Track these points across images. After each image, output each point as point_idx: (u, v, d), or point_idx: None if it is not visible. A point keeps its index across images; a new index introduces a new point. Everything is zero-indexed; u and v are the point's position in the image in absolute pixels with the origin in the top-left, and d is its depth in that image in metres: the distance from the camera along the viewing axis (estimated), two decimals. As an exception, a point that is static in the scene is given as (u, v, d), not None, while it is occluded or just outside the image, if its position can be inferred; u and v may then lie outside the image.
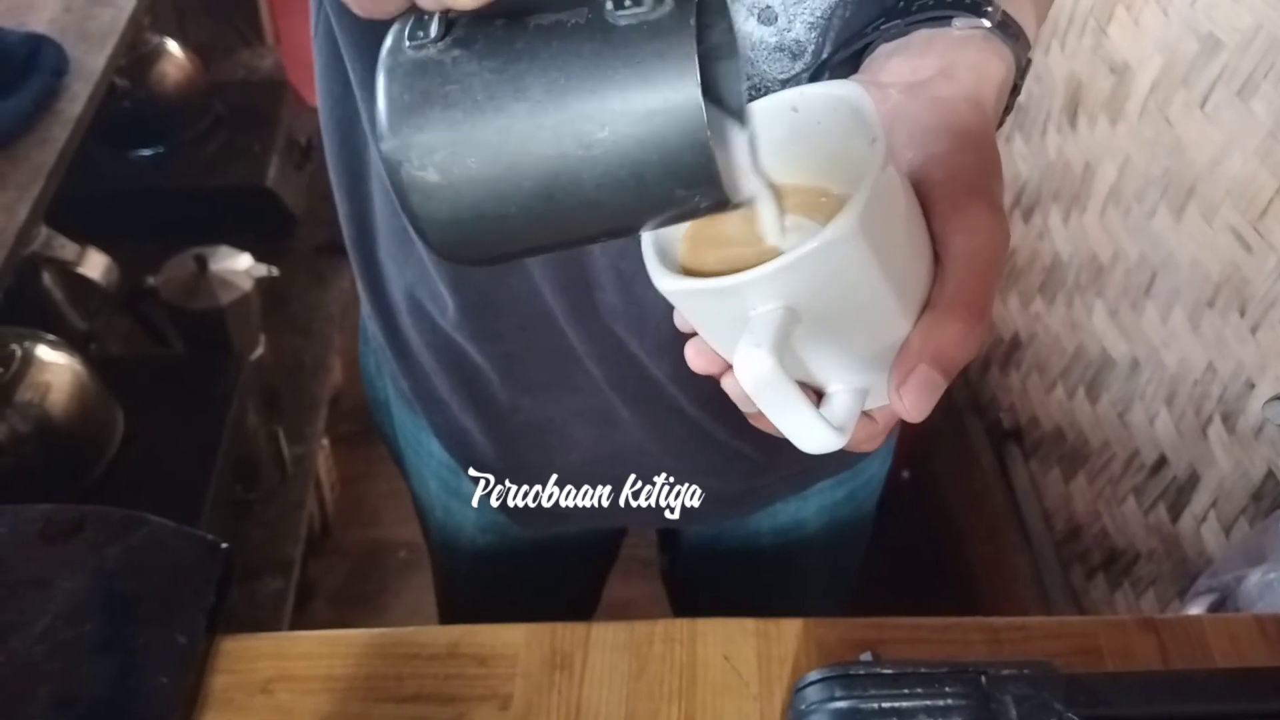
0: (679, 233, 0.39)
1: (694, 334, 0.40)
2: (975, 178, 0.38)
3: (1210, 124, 1.09)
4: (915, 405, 0.36)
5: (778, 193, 0.39)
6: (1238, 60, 1.04)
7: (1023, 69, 0.45)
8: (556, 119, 0.31)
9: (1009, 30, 0.44)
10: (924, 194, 0.38)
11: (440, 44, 0.32)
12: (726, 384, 0.40)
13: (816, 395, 0.39)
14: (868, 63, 0.45)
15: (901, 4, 0.46)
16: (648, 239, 0.38)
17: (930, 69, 0.42)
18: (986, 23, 0.43)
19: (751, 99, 0.46)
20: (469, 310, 0.60)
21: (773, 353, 0.34)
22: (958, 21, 0.43)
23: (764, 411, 0.36)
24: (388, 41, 0.33)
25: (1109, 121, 1.29)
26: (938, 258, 0.38)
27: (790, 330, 0.35)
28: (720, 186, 0.33)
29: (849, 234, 0.33)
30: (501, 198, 0.33)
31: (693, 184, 0.32)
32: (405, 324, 0.65)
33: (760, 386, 0.35)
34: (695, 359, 0.40)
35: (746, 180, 0.39)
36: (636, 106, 0.31)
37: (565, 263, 0.55)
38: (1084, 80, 1.35)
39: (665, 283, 0.37)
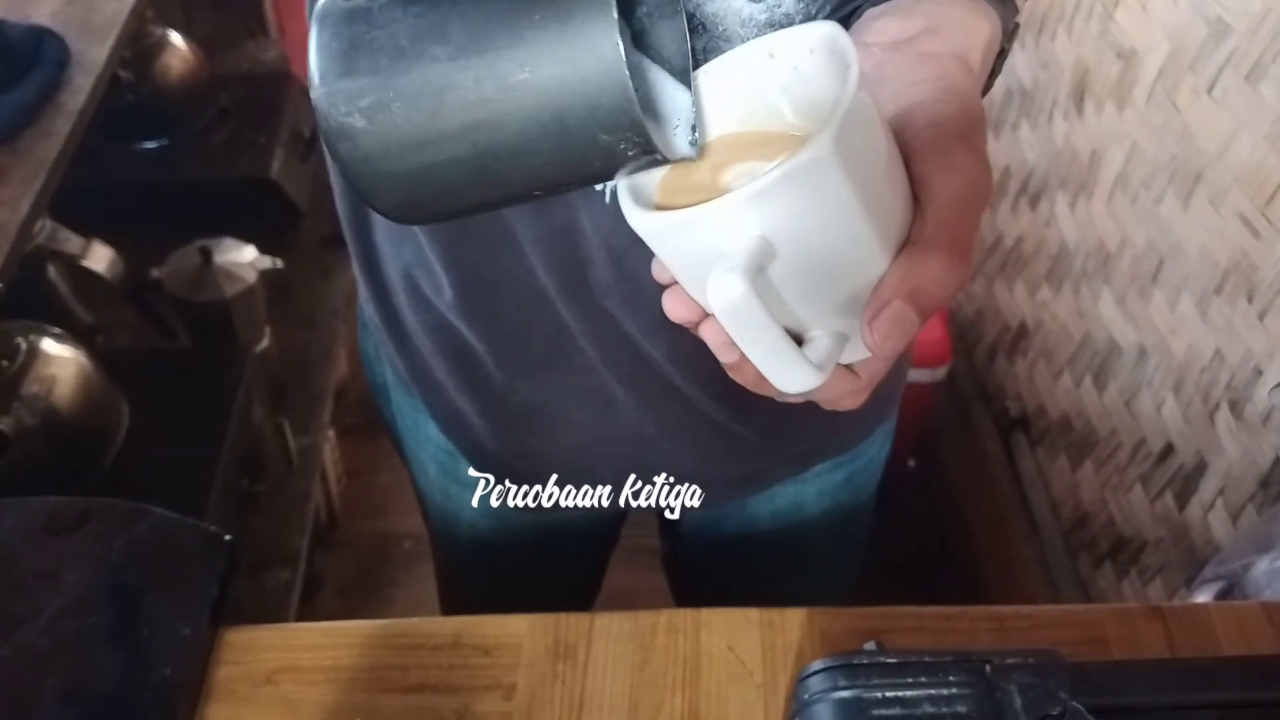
0: (653, 183, 0.39)
1: (672, 284, 0.40)
2: (958, 126, 0.38)
3: (1218, 109, 1.08)
4: (886, 340, 0.36)
5: (748, 140, 0.39)
6: (1246, 45, 1.03)
7: (1009, 32, 0.45)
8: (476, 62, 0.31)
9: None
10: (906, 140, 0.38)
11: None
12: (705, 331, 0.39)
13: (798, 341, 0.38)
14: (855, 26, 0.45)
15: None
16: (623, 184, 0.37)
17: (916, 27, 0.42)
18: None
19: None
20: (464, 290, 0.60)
21: (745, 277, 0.33)
22: None
23: (739, 343, 0.35)
24: None
25: (1116, 107, 1.28)
26: (918, 201, 0.37)
27: (765, 260, 0.34)
28: (644, 131, 0.32)
29: (823, 156, 0.33)
30: (427, 145, 0.33)
31: (616, 129, 0.32)
32: (401, 305, 0.65)
33: (734, 315, 0.34)
34: (674, 307, 0.39)
35: (684, 137, 0.38)
36: (554, 46, 0.31)
37: (557, 240, 0.55)
38: (1091, 66, 1.34)
39: (637, 219, 0.36)
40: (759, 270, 0.34)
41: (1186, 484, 1.16)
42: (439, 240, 0.58)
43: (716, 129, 0.40)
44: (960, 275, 0.36)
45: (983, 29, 0.43)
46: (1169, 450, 1.20)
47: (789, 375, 0.36)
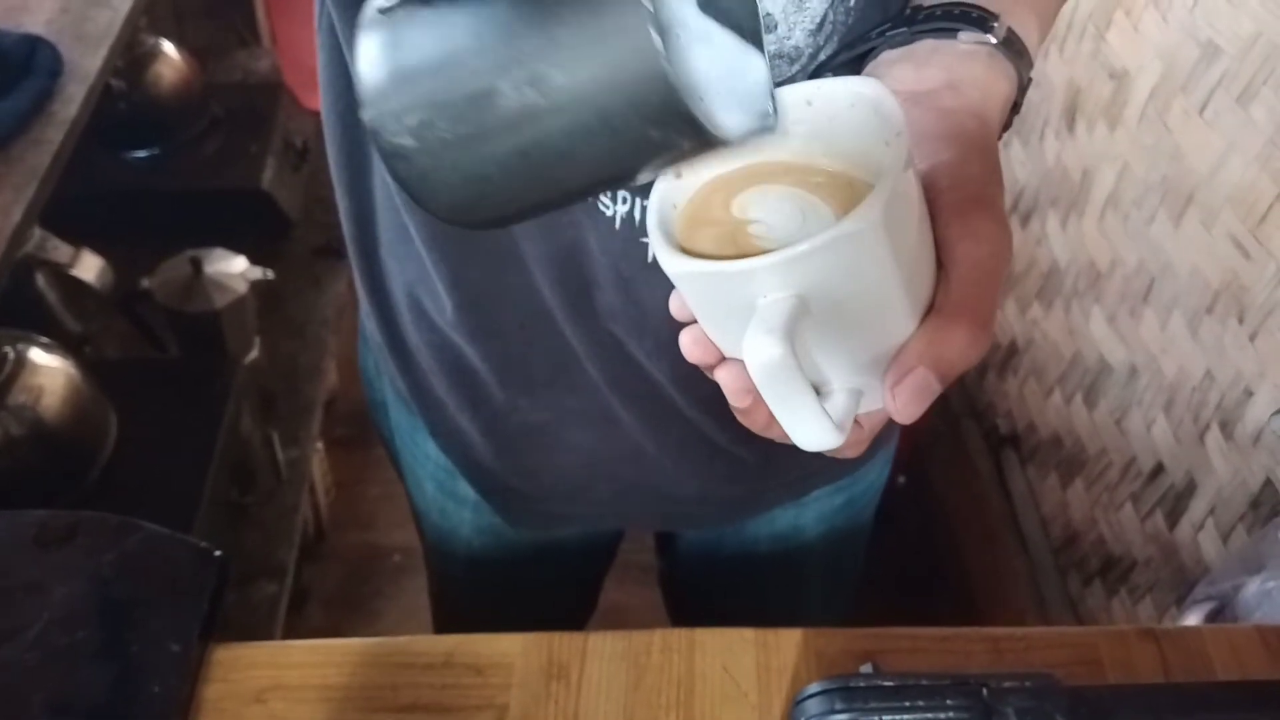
0: (676, 211, 0.38)
1: (689, 323, 0.40)
2: (980, 188, 0.38)
3: (1210, 130, 1.09)
4: (907, 406, 0.36)
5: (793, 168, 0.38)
6: (1237, 67, 1.04)
7: (1024, 86, 0.45)
8: (514, 70, 0.30)
9: (1013, 47, 0.44)
10: (930, 201, 0.38)
11: (406, 5, 0.32)
12: (721, 375, 0.39)
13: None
14: (870, 67, 0.45)
15: (907, 12, 0.45)
16: (653, 219, 0.37)
17: (936, 80, 0.42)
18: (992, 39, 0.43)
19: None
20: (468, 308, 0.60)
21: (785, 340, 0.33)
22: (963, 35, 0.43)
23: (769, 401, 0.35)
24: (365, 8, 0.33)
25: (1108, 127, 1.29)
26: (940, 264, 0.38)
27: (801, 320, 0.34)
28: (695, 122, 0.31)
29: (872, 226, 0.33)
30: (479, 158, 0.32)
31: (664, 123, 0.31)
32: (404, 322, 0.65)
33: (769, 374, 0.34)
34: (691, 348, 0.39)
35: (756, 109, 0.37)
36: (587, 44, 0.30)
37: (563, 261, 0.55)
38: (1083, 86, 1.35)
39: (674, 264, 0.36)
40: (796, 330, 0.34)
41: (1177, 503, 1.17)
42: (445, 258, 0.58)
43: (741, 160, 0.39)
44: (983, 346, 0.36)
45: (1000, 86, 0.43)
46: (1159, 469, 1.20)
47: (812, 434, 0.36)
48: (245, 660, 0.56)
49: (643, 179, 0.35)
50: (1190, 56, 1.11)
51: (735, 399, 0.40)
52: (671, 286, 0.52)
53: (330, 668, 0.55)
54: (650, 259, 0.53)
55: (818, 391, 0.38)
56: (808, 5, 0.46)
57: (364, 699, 0.54)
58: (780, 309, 0.34)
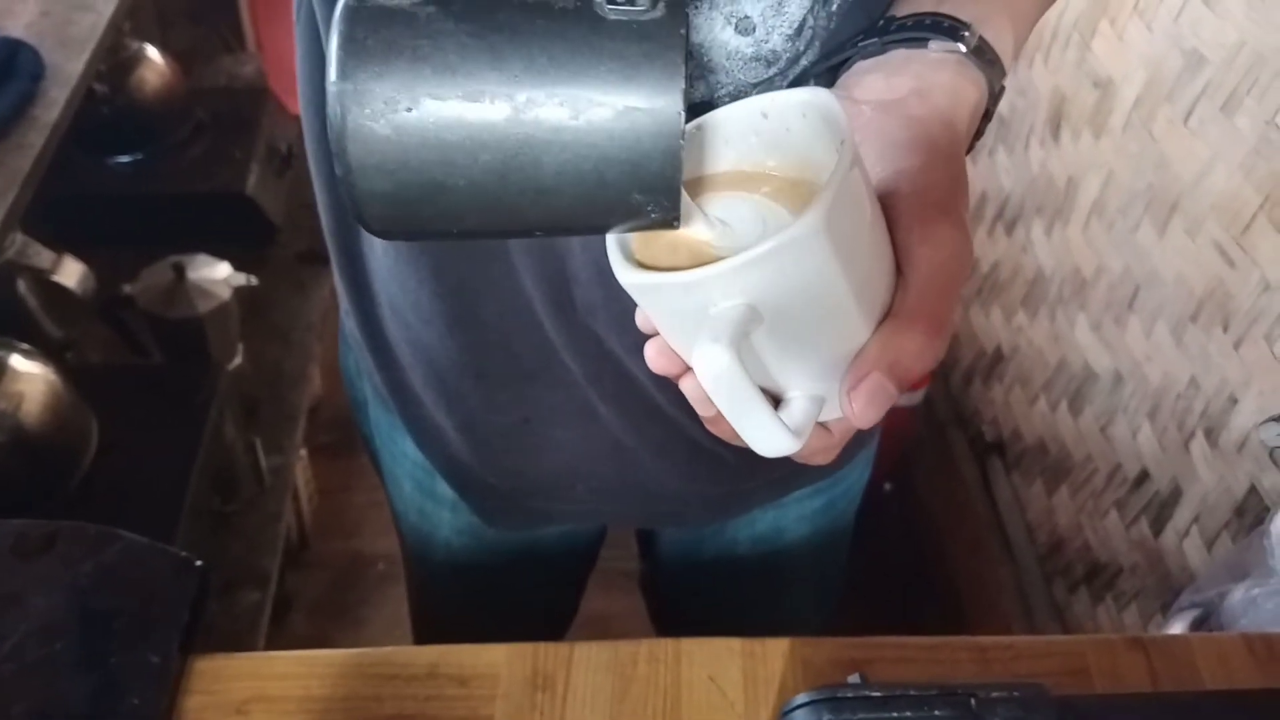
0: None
1: (656, 334, 0.40)
2: (943, 195, 0.38)
3: (1194, 139, 1.09)
4: (864, 411, 0.36)
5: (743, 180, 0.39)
6: (1222, 76, 1.04)
7: (996, 95, 0.45)
8: (531, 96, 0.31)
9: (984, 56, 0.44)
10: (891, 207, 0.38)
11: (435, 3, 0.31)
12: (685, 385, 0.40)
13: (774, 401, 0.39)
14: (844, 78, 0.46)
15: (880, 23, 0.46)
16: (611, 235, 0.37)
17: (905, 88, 0.42)
18: (962, 47, 0.43)
19: (725, 104, 0.46)
20: (448, 296, 0.59)
21: (730, 348, 0.33)
22: (934, 44, 0.44)
23: (721, 409, 0.35)
24: None
25: (1093, 136, 1.29)
26: (900, 270, 0.38)
27: (750, 328, 0.34)
28: (677, 201, 0.32)
29: (814, 230, 0.33)
30: (452, 167, 0.31)
31: (653, 191, 0.32)
32: (384, 317, 0.65)
33: (717, 383, 0.34)
34: (656, 359, 0.40)
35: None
36: (616, 102, 0.31)
37: (544, 255, 0.55)
38: (1068, 94, 1.35)
39: (627, 276, 0.36)
40: (744, 338, 0.34)
41: (1162, 511, 1.17)
42: (428, 249, 0.57)
43: (698, 170, 0.40)
44: (938, 350, 0.36)
45: (970, 94, 0.43)
46: (1144, 476, 1.20)
47: (768, 441, 0.36)
48: (227, 671, 0.55)
49: (577, 235, 0.36)
50: (1175, 65, 1.11)
51: (700, 408, 0.40)
52: None
53: (313, 679, 0.55)
54: None
55: (776, 399, 0.39)
56: (786, 9, 0.46)
57: (346, 710, 0.53)
58: (728, 318, 0.34)
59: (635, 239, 0.38)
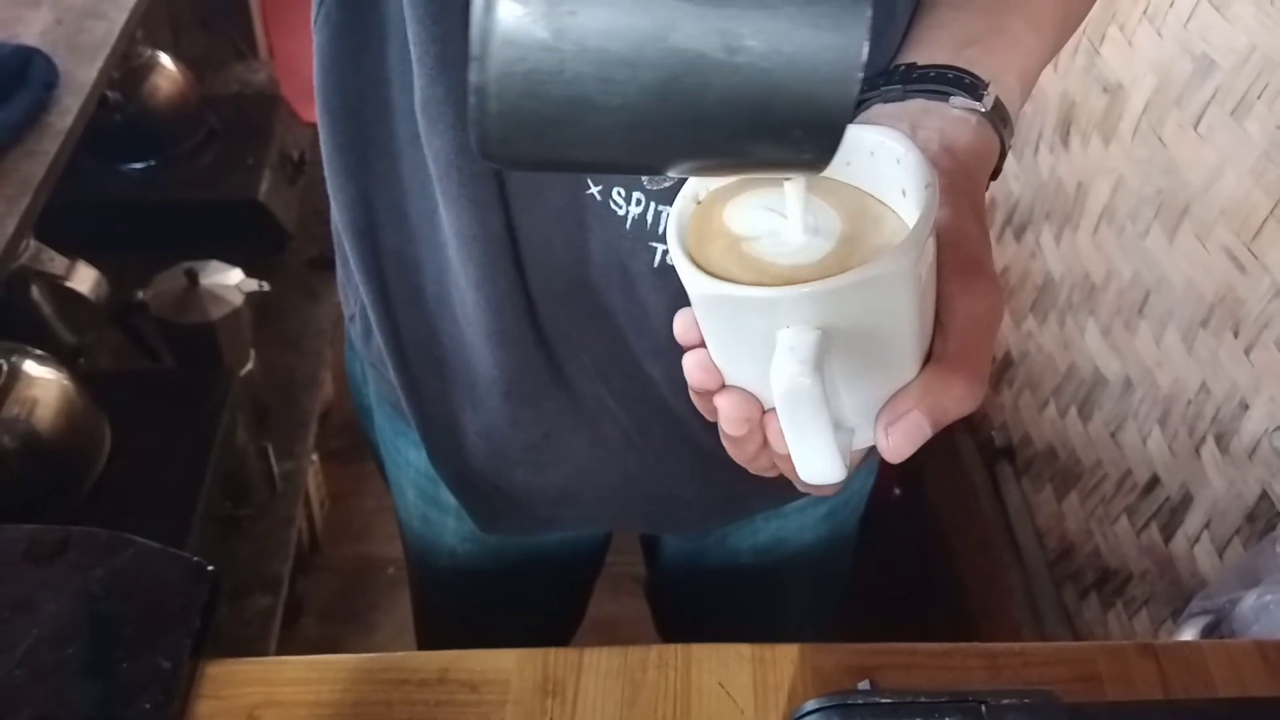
0: (687, 222, 0.38)
1: (695, 346, 0.40)
2: (977, 248, 0.40)
3: (1204, 144, 1.09)
4: (899, 447, 0.38)
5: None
6: (1231, 80, 1.04)
7: (1004, 154, 0.46)
8: (711, 9, 0.28)
9: (1000, 114, 0.45)
10: None
11: None
12: (720, 400, 0.40)
13: None
14: (865, 118, 0.46)
15: (902, 68, 0.47)
16: (674, 234, 0.37)
17: (932, 141, 0.43)
18: (981, 107, 0.45)
19: None
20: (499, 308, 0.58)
21: (816, 371, 0.33)
22: (955, 100, 0.45)
23: (787, 431, 0.35)
24: None
25: (1102, 141, 1.29)
26: (937, 317, 0.39)
27: (827, 354, 0.34)
28: (838, 140, 0.30)
29: (906, 269, 0.33)
30: (609, 83, 0.28)
31: (816, 130, 0.30)
32: (415, 314, 0.64)
33: (796, 404, 0.34)
34: (695, 371, 0.40)
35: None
36: (799, 22, 0.28)
37: (566, 251, 0.55)
38: (1077, 99, 1.35)
39: (701, 285, 0.35)
40: (825, 361, 0.34)
41: (1172, 516, 1.16)
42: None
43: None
44: (978, 398, 0.38)
45: (987, 155, 0.44)
46: (1155, 482, 1.20)
47: (822, 469, 0.36)
48: (237, 676, 0.55)
49: (713, 174, 0.35)
50: (1184, 70, 1.11)
51: (732, 427, 0.40)
52: (674, 292, 0.52)
53: (323, 684, 0.55)
54: (657, 263, 0.54)
55: None
56: None
57: (357, 716, 0.53)
58: (810, 339, 0.34)
59: (692, 239, 0.37)
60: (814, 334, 0.34)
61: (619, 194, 0.52)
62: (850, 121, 0.30)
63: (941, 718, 0.45)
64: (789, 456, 0.38)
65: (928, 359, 0.38)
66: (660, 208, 0.52)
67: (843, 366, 0.36)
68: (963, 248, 0.39)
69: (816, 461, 0.36)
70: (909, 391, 0.38)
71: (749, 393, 0.39)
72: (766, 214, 0.38)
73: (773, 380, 0.34)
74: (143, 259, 1.55)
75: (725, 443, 0.42)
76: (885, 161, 0.38)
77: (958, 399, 0.38)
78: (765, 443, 0.40)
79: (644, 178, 0.50)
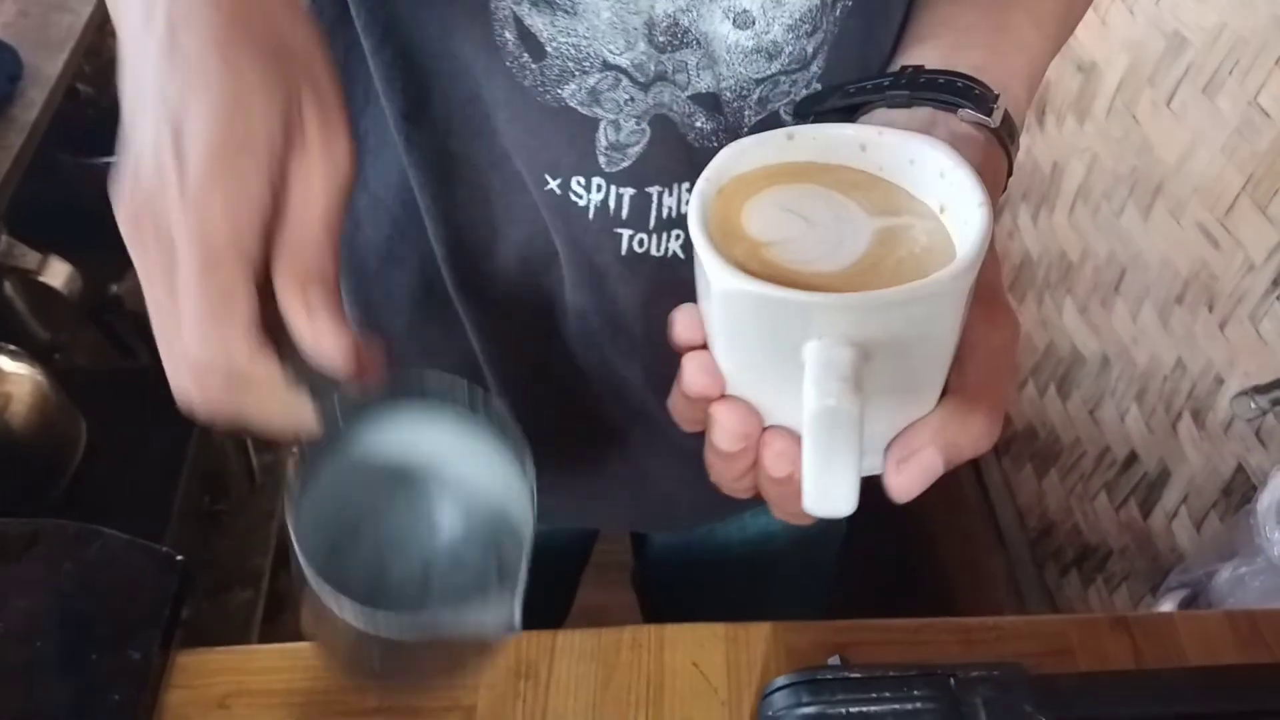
0: (709, 213, 0.36)
1: (696, 349, 0.36)
2: (992, 274, 0.37)
3: (1177, 122, 1.09)
4: (908, 486, 0.34)
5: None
6: (1203, 58, 1.04)
7: (1010, 172, 0.44)
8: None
9: (1008, 128, 0.43)
10: None
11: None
12: (718, 411, 0.36)
13: None
14: (865, 121, 0.44)
15: (909, 71, 0.44)
16: (695, 218, 0.34)
17: None
18: (991, 122, 0.42)
19: (729, 99, 0.45)
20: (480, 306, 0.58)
21: (856, 392, 0.30)
22: (964, 112, 0.42)
23: (811, 453, 0.31)
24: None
25: (1077, 121, 1.29)
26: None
27: (862, 374, 0.31)
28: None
29: (962, 288, 0.31)
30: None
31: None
32: (385, 305, 0.63)
33: (831, 425, 0.30)
34: (697, 375, 0.36)
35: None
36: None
37: (535, 252, 0.54)
38: (1051, 79, 1.35)
39: (730, 280, 0.32)
40: (861, 384, 0.31)
41: (1150, 492, 1.17)
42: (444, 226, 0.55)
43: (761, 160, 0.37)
44: (994, 436, 0.35)
45: (999, 176, 0.42)
46: (1132, 459, 1.20)
47: (836, 499, 0.32)
48: (209, 665, 0.55)
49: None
50: (1157, 49, 1.12)
51: (727, 442, 0.36)
52: (644, 283, 0.51)
53: (295, 672, 0.54)
54: (624, 250, 0.51)
55: None
56: (785, 1, 0.46)
57: (329, 703, 0.53)
58: (847, 356, 0.31)
59: (718, 234, 0.35)
60: (850, 350, 0.31)
61: (578, 183, 0.49)
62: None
63: (910, 690, 0.45)
64: (781, 481, 0.35)
65: (943, 391, 0.35)
66: (620, 190, 0.49)
67: (872, 388, 0.32)
68: (981, 273, 0.35)
69: (835, 492, 0.32)
70: (925, 425, 0.34)
71: (750, 406, 0.36)
72: (787, 215, 0.36)
73: (806, 398, 0.30)
74: (117, 253, 1.52)
75: (710, 457, 0.38)
76: (927, 173, 0.35)
77: (975, 437, 0.34)
78: (754, 463, 0.37)
79: (601, 160, 0.49)
